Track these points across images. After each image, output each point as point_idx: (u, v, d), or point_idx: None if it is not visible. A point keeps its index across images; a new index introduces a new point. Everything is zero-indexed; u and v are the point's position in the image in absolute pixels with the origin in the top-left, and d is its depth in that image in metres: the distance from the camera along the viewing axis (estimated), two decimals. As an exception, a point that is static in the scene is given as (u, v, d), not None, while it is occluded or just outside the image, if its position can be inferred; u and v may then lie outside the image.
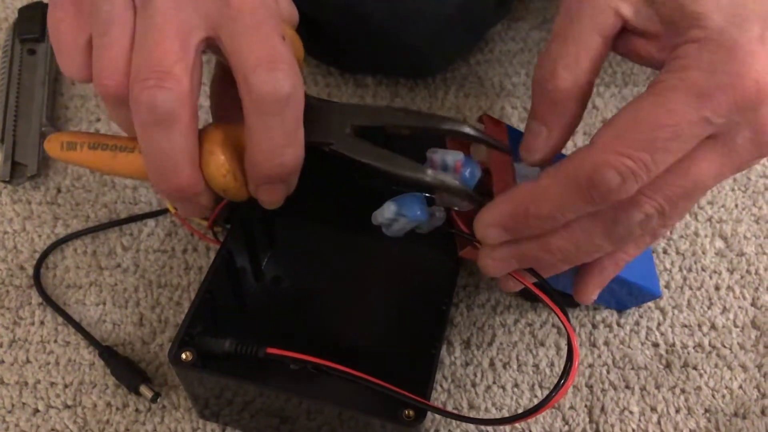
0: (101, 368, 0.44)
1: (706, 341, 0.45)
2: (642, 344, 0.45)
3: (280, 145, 0.33)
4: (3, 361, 0.44)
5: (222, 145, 0.33)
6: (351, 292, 0.45)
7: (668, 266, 0.49)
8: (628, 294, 0.44)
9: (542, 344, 0.45)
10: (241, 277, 0.44)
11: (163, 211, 0.51)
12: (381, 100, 0.58)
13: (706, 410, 0.43)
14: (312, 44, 0.59)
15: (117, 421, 0.42)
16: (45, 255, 0.48)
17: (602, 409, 0.43)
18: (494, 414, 0.43)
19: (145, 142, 0.32)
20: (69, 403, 0.43)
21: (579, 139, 0.55)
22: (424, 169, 0.33)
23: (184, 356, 0.36)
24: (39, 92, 0.56)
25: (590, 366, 0.44)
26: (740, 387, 0.44)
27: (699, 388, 0.44)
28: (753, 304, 0.47)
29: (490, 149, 0.36)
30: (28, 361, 0.44)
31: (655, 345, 0.45)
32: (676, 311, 0.47)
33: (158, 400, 0.42)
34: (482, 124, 0.37)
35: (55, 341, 0.45)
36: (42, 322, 0.46)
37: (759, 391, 0.44)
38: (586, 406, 0.43)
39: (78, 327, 0.45)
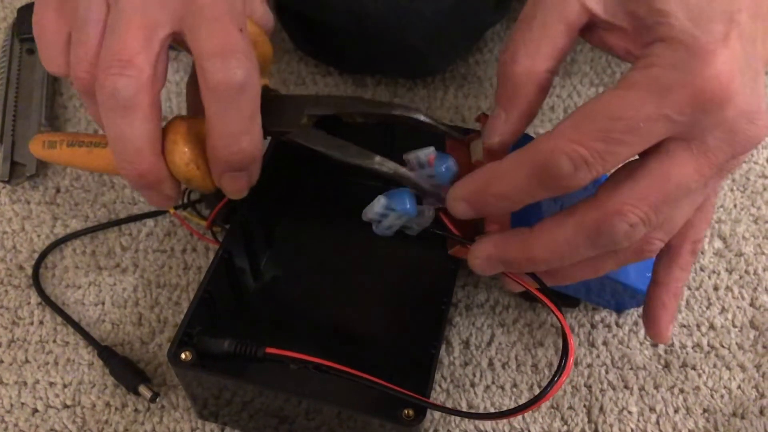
0: (100, 368, 0.44)
1: (704, 341, 0.45)
2: (641, 344, 0.45)
3: (236, 132, 0.34)
4: (2, 361, 0.44)
5: (185, 135, 0.35)
6: (350, 292, 0.45)
7: (667, 266, 0.49)
8: (627, 296, 0.44)
9: (541, 344, 0.45)
10: (240, 276, 0.44)
11: (163, 212, 0.51)
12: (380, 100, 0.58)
13: (705, 410, 0.43)
14: (311, 44, 0.59)
15: (116, 421, 0.42)
16: (44, 255, 0.48)
17: (601, 409, 0.43)
18: (493, 414, 0.43)
19: (109, 127, 0.34)
20: (68, 402, 0.43)
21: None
22: (373, 156, 0.34)
23: (183, 356, 0.36)
24: (38, 92, 0.56)
25: (589, 366, 0.44)
26: (739, 387, 0.44)
27: (697, 388, 0.44)
28: (751, 304, 0.47)
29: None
30: (27, 360, 0.44)
31: (654, 345, 0.45)
32: (674, 311, 0.47)
33: (157, 400, 0.42)
34: (481, 123, 0.37)
35: (54, 341, 0.45)
36: (41, 322, 0.46)
37: (757, 391, 0.44)
38: (584, 406, 0.43)
39: (77, 327, 0.45)
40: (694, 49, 0.28)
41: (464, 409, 0.43)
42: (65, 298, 0.47)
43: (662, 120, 0.28)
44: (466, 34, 0.57)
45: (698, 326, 0.46)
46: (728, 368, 0.44)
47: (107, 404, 0.43)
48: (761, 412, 0.43)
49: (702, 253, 0.49)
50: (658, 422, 0.42)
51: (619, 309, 0.46)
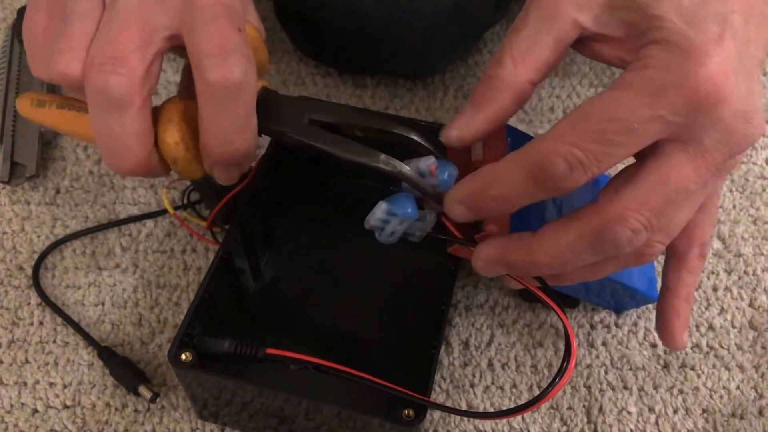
0: (100, 368, 0.44)
1: (703, 342, 0.46)
2: (640, 345, 0.45)
3: (231, 131, 0.34)
4: (2, 362, 0.44)
5: (180, 114, 0.35)
6: (350, 293, 0.45)
7: (666, 267, 0.49)
8: (626, 297, 0.44)
9: (540, 345, 0.45)
10: (240, 277, 0.44)
11: (162, 212, 0.51)
12: (380, 101, 0.58)
13: (704, 410, 0.43)
14: (311, 45, 0.59)
15: (116, 421, 0.42)
16: (44, 255, 0.48)
17: (600, 409, 0.43)
18: (493, 414, 0.43)
19: (98, 124, 0.33)
20: (68, 403, 0.43)
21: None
22: (378, 154, 0.34)
23: (183, 357, 0.36)
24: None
25: (588, 366, 0.45)
26: (738, 387, 0.44)
27: (697, 388, 0.44)
28: (750, 305, 0.47)
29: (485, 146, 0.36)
30: (27, 361, 0.44)
31: (653, 345, 0.45)
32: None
33: (157, 400, 0.42)
34: None
35: (54, 341, 0.45)
36: (41, 323, 0.46)
37: (756, 391, 0.44)
38: (584, 406, 0.43)
39: (77, 327, 0.45)
40: (688, 50, 0.28)
41: (464, 409, 0.43)
42: (65, 298, 0.47)
43: (657, 121, 0.28)
44: (466, 34, 0.57)
45: (697, 327, 0.46)
46: (727, 369, 0.44)
47: (107, 405, 0.43)
48: (760, 413, 0.43)
49: (701, 253, 0.49)
50: (657, 423, 0.42)
51: (619, 309, 0.46)
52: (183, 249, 0.49)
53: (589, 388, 0.44)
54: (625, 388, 0.44)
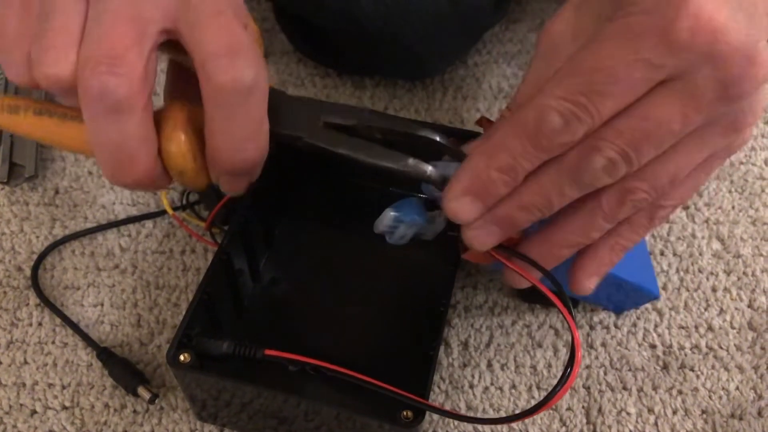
0: (99, 369, 0.44)
1: (703, 343, 0.46)
2: (639, 346, 0.45)
3: (242, 138, 0.31)
4: (1, 363, 0.44)
5: (185, 122, 0.31)
6: (349, 294, 0.45)
7: (665, 268, 0.49)
8: (627, 295, 0.44)
9: (540, 345, 0.45)
10: (239, 278, 0.44)
11: (161, 213, 0.51)
12: (379, 101, 0.58)
13: (703, 411, 0.43)
14: (310, 46, 0.59)
15: (115, 422, 0.42)
16: (43, 256, 0.48)
17: (599, 410, 0.43)
18: (492, 415, 0.43)
19: (96, 132, 0.30)
20: (67, 404, 0.43)
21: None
22: (405, 157, 0.32)
23: (182, 358, 0.36)
24: (37, 93, 0.56)
25: (587, 367, 0.45)
26: (737, 388, 0.44)
27: (696, 389, 0.44)
28: (750, 306, 0.47)
29: None
30: (25, 362, 0.44)
31: (653, 346, 0.45)
32: (673, 313, 0.47)
33: (156, 401, 0.42)
34: (481, 127, 0.37)
35: (53, 342, 0.45)
36: (40, 324, 0.46)
37: (755, 392, 0.44)
38: (583, 407, 0.43)
39: (76, 328, 0.45)
40: None
41: (463, 410, 0.43)
42: (64, 299, 0.47)
43: (642, 65, 0.27)
44: (465, 36, 0.57)
45: (696, 327, 0.46)
46: (726, 369, 0.44)
47: (106, 405, 0.43)
48: (759, 413, 0.43)
49: (700, 254, 0.49)
50: (656, 423, 0.42)
51: (618, 310, 0.47)
52: (182, 250, 0.49)
53: (588, 388, 0.44)
54: (625, 388, 0.44)
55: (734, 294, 0.48)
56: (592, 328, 0.46)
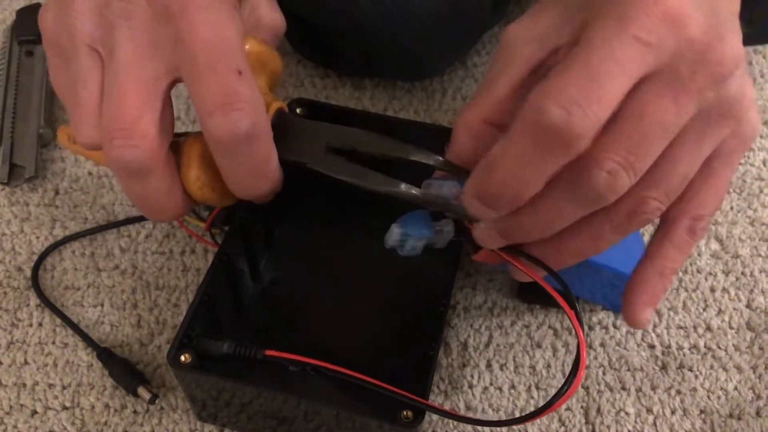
0: (99, 370, 0.44)
1: (701, 343, 0.46)
2: (638, 346, 0.46)
3: (251, 178, 0.34)
4: (1, 363, 0.44)
5: (199, 159, 0.34)
6: (349, 294, 0.45)
7: (664, 268, 0.49)
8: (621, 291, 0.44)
9: (539, 346, 0.45)
10: (239, 279, 0.44)
11: (161, 213, 0.51)
12: (378, 102, 0.59)
13: (702, 411, 0.43)
14: (309, 47, 0.59)
15: (115, 422, 0.42)
16: (43, 257, 0.48)
17: (598, 410, 0.43)
18: (491, 415, 0.43)
19: (126, 190, 0.34)
20: (67, 404, 0.43)
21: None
22: (398, 183, 0.34)
23: (182, 358, 0.36)
24: (37, 94, 0.56)
25: (586, 367, 0.45)
26: (735, 388, 0.44)
27: (694, 389, 0.44)
28: (748, 306, 0.47)
29: None
30: (26, 362, 0.44)
31: (651, 346, 0.46)
32: (671, 313, 0.47)
33: (156, 401, 0.42)
34: None
35: (53, 343, 0.45)
36: (40, 324, 0.46)
37: (754, 392, 0.44)
38: (582, 407, 0.43)
39: (76, 328, 0.45)
40: None
41: (462, 410, 0.43)
42: (64, 299, 0.47)
43: (633, 41, 0.27)
44: (464, 36, 0.57)
45: (695, 328, 0.46)
46: (725, 370, 0.45)
47: (106, 406, 0.43)
48: (758, 413, 0.43)
49: (699, 254, 0.50)
50: (655, 423, 0.43)
51: (618, 308, 0.47)
52: (182, 250, 0.49)
53: (587, 388, 0.44)
54: (623, 388, 0.44)
55: (732, 294, 0.48)
56: (591, 328, 0.46)
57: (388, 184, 0.34)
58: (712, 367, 0.45)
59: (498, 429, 0.42)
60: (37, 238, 0.50)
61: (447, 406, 0.43)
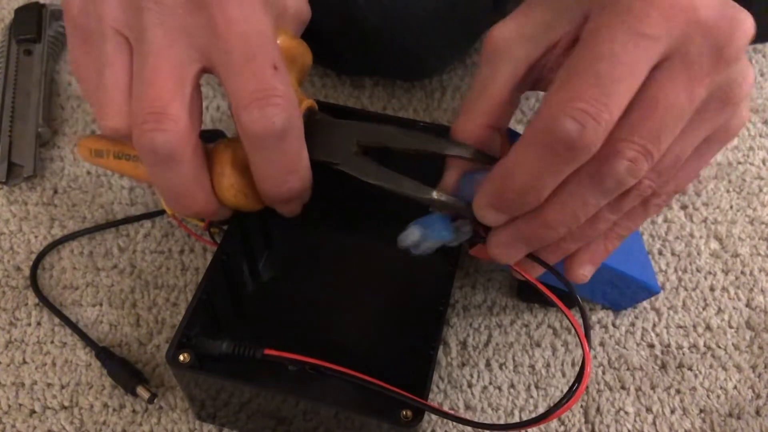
0: (98, 369, 0.44)
1: (701, 342, 0.46)
2: (637, 345, 0.46)
3: (283, 173, 0.33)
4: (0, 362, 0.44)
5: (231, 165, 0.34)
6: (348, 293, 0.45)
7: (663, 267, 0.49)
8: (627, 291, 0.44)
9: (538, 345, 0.45)
10: (238, 278, 0.44)
11: (160, 212, 0.51)
12: (378, 101, 0.58)
13: (701, 410, 0.43)
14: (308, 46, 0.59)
15: (114, 422, 0.42)
16: (41, 256, 0.48)
17: (598, 409, 0.43)
18: (490, 414, 0.43)
19: (154, 178, 0.33)
20: (66, 404, 0.43)
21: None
22: (429, 189, 0.33)
23: (181, 358, 0.36)
24: (35, 93, 0.56)
25: (586, 367, 0.45)
26: (735, 387, 0.44)
27: (694, 388, 0.44)
28: (748, 305, 0.47)
29: None
30: (24, 362, 0.44)
31: (651, 346, 0.45)
32: (671, 312, 0.47)
33: (155, 401, 0.42)
34: None
35: (52, 342, 0.45)
36: (38, 323, 0.46)
37: (753, 391, 0.44)
38: (581, 406, 0.43)
39: (74, 328, 0.45)
40: None
41: (461, 409, 0.43)
42: (63, 299, 0.47)
43: (639, 38, 0.27)
44: (463, 35, 0.57)
45: (695, 327, 0.46)
46: (724, 369, 0.45)
47: (105, 405, 0.43)
48: (757, 413, 0.43)
49: (698, 254, 0.50)
50: (654, 423, 0.43)
51: (617, 307, 0.47)
52: (181, 249, 0.49)
53: (586, 388, 0.44)
54: (623, 388, 0.44)
55: (732, 293, 0.48)
56: (590, 327, 0.46)
57: (418, 190, 0.33)
58: (711, 366, 0.45)
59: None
60: (36, 237, 0.50)
61: (446, 406, 0.43)
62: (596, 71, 0.27)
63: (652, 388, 0.44)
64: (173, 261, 0.49)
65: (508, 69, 0.32)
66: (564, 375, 0.44)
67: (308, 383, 0.37)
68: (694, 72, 0.28)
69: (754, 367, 0.45)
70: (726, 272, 0.49)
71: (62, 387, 0.43)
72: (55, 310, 0.46)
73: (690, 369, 0.45)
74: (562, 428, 0.42)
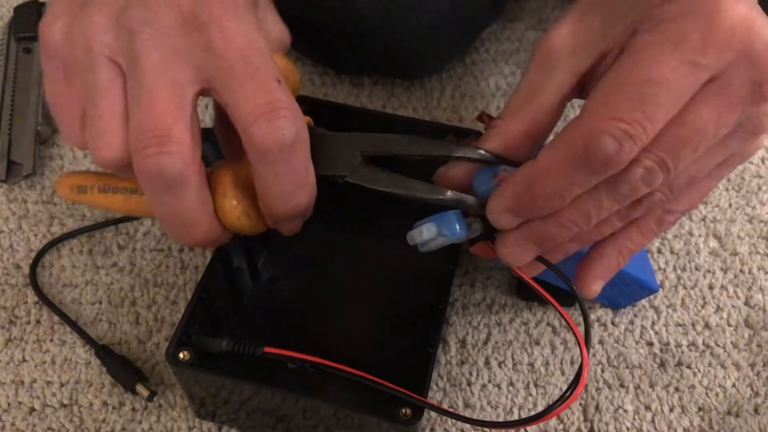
0: (97, 367, 0.44)
1: (699, 340, 0.46)
2: (636, 343, 0.46)
3: (291, 189, 0.33)
4: (-1, 360, 0.44)
5: (233, 188, 0.33)
6: (347, 292, 0.45)
7: (662, 265, 0.49)
8: (626, 289, 0.44)
9: (537, 343, 0.45)
10: (238, 276, 0.44)
11: (160, 211, 0.51)
12: (377, 100, 0.59)
13: (700, 408, 0.43)
14: (307, 45, 0.59)
15: (113, 420, 0.42)
16: (41, 254, 0.48)
17: (597, 407, 0.43)
18: (489, 412, 0.43)
19: (158, 206, 0.32)
20: (65, 402, 0.43)
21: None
22: (442, 190, 0.33)
23: (181, 356, 0.36)
24: (34, 91, 0.56)
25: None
26: (733, 385, 0.44)
27: (693, 386, 0.44)
28: (746, 303, 0.47)
29: None
30: (24, 360, 0.44)
31: (650, 344, 0.46)
32: (670, 310, 0.47)
33: (154, 399, 0.42)
34: (482, 122, 0.37)
35: (51, 340, 0.45)
36: (38, 321, 0.46)
37: (752, 389, 0.44)
38: (580, 404, 0.43)
39: (74, 326, 0.45)
40: None
41: (461, 407, 0.43)
42: (62, 297, 0.47)
43: (689, 68, 0.27)
44: (462, 34, 0.57)
45: (693, 325, 0.46)
46: (723, 367, 0.45)
47: (104, 403, 0.43)
48: (756, 411, 0.43)
49: (697, 252, 0.50)
50: (653, 421, 0.43)
51: (616, 306, 0.47)
52: (180, 248, 0.49)
53: (585, 386, 0.44)
54: (622, 386, 0.44)
55: (731, 291, 0.48)
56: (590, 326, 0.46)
57: (431, 191, 0.33)
58: (710, 364, 0.45)
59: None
60: (35, 235, 0.50)
61: (445, 404, 0.43)
62: (642, 94, 0.27)
63: (651, 386, 0.44)
64: (173, 259, 0.49)
65: (559, 78, 0.32)
66: (563, 373, 0.44)
67: (308, 381, 0.37)
68: (730, 100, 0.28)
69: (752, 365, 0.45)
70: (725, 270, 0.49)
71: (62, 385, 0.43)
72: (55, 308, 0.46)
73: (689, 367, 0.45)
74: (561, 426, 0.42)
